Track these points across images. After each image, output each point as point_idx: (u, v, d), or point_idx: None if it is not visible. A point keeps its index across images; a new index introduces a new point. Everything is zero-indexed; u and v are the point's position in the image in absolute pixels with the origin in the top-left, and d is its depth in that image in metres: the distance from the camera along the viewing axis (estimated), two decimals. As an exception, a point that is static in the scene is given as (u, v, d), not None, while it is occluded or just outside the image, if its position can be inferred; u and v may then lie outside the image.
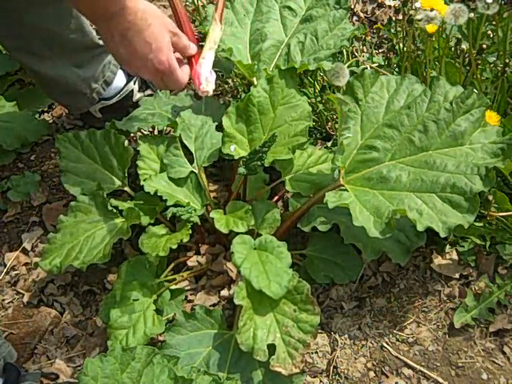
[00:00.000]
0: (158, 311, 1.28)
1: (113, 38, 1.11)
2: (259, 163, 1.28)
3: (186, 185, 1.40)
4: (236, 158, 1.35)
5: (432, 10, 1.26)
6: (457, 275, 1.29)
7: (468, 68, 1.39)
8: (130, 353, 1.02)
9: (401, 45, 1.54)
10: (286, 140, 1.36)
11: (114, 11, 1.01)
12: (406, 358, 1.22)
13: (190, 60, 1.32)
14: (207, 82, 1.30)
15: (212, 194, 1.52)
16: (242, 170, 1.30)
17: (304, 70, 1.51)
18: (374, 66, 1.53)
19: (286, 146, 1.34)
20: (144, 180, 1.39)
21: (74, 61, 1.58)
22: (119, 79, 1.72)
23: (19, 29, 1.46)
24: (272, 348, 1.13)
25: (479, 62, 1.40)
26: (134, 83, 1.75)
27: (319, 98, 1.59)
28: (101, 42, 1.62)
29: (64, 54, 1.55)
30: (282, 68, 1.41)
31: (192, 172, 1.41)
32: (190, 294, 1.39)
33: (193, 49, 1.30)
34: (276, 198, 1.43)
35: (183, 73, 1.26)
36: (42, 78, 1.61)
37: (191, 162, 1.42)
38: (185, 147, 1.43)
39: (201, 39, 1.94)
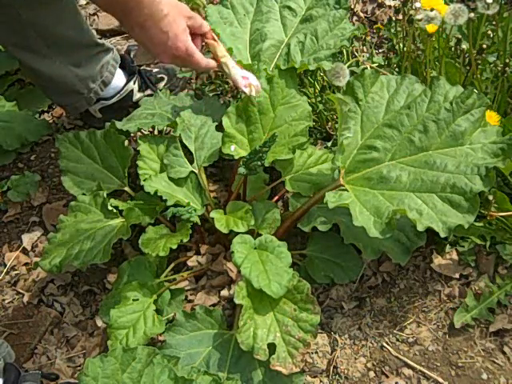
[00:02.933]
0: (158, 311, 1.29)
1: (133, 30, 1.22)
2: (259, 163, 1.28)
3: (186, 185, 1.40)
4: (236, 158, 1.35)
5: (432, 9, 1.26)
6: (457, 275, 1.29)
7: (468, 68, 1.39)
8: (131, 353, 1.02)
9: (401, 45, 1.54)
10: (286, 140, 1.36)
11: (132, 6, 1.10)
12: (406, 358, 1.22)
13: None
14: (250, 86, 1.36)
15: (212, 194, 1.52)
16: (242, 169, 1.30)
17: (304, 70, 1.51)
18: (374, 66, 1.53)
19: (286, 146, 1.35)
20: (144, 180, 1.38)
21: (72, 59, 1.58)
22: (119, 79, 1.72)
23: (17, 25, 1.46)
24: (272, 347, 1.13)
25: (479, 62, 1.40)
26: (134, 83, 1.75)
27: (319, 98, 1.59)
28: (99, 41, 1.63)
29: (62, 51, 1.54)
30: (282, 68, 1.41)
31: (192, 172, 1.41)
32: (190, 294, 1.39)
33: (206, 26, 1.36)
34: (276, 198, 1.43)
35: (203, 57, 1.33)
36: (40, 77, 1.61)
37: (191, 162, 1.42)
38: (185, 147, 1.43)
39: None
